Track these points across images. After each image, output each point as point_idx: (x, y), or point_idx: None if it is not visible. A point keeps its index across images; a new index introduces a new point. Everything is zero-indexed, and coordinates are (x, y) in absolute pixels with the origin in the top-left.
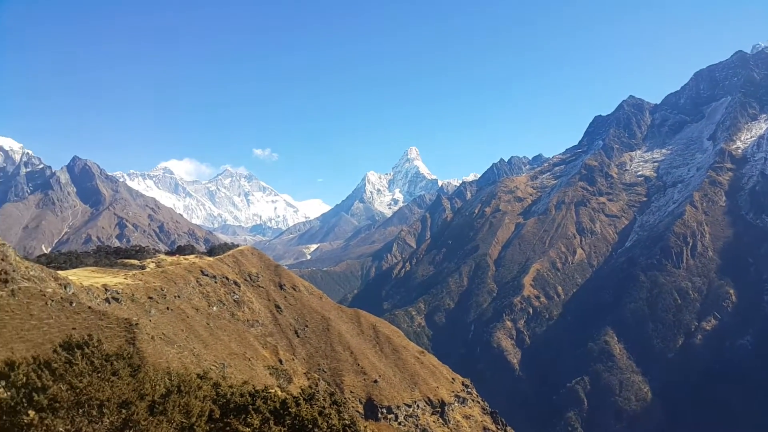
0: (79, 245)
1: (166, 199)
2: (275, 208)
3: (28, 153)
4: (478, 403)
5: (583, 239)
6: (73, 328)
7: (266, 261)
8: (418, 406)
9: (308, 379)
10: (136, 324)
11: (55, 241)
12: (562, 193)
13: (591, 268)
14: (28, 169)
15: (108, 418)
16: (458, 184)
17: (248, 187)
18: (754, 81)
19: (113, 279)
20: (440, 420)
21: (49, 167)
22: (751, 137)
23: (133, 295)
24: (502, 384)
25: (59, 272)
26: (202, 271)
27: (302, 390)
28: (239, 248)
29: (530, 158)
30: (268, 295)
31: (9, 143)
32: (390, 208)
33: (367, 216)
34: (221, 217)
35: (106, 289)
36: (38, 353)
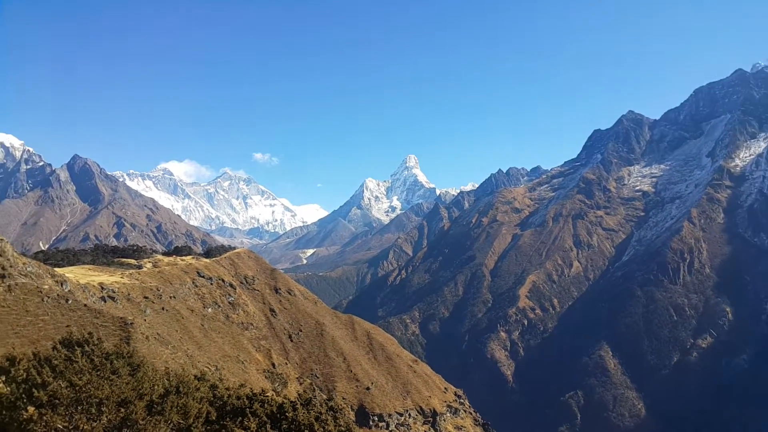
0: (76, 243)
1: (165, 199)
2: (273, 212)
3: (28, 150)
4: (471, 414)
5: (580, 252)
6: (68, 326)
7: (262, 264)
8: (409, 414)
9: (301, 384)
10: (131, 323)
11: (53, 238)
12: (560, 205)
13: (587, 281)
14: (28, 166)
15: (106, 416)
16: (456, 194)
17: (247, 191)
18: (754, 100)
19: (110, 278)
20: (432, 430)
21: (50, 165)
22: (750, 155)
23: (129, 294)
24: (494, 395)
25: (56, 269)
26: (198, 273)
27: (299, 395)
28: (236, 251)
29: (529, 170)
30: (264, 298)
31: (10, 140)
32: (387, 215)
33: (365, 222)
34: (219, 219)
35: (102, 288)
36: (33, 349)
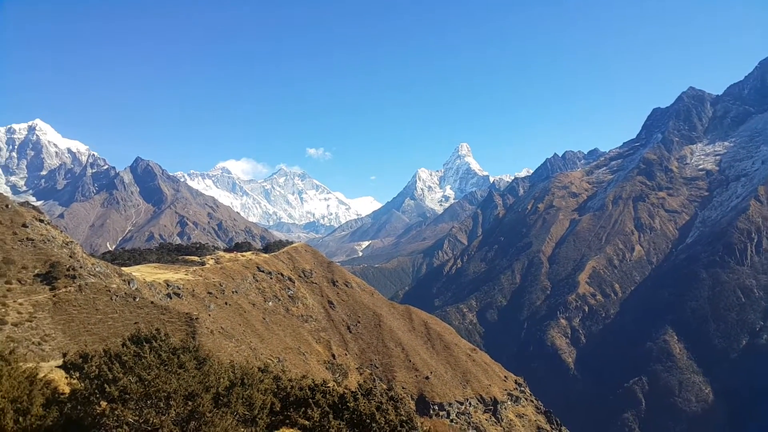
0: (142, 242)
1: (225, 197)
2: (328, 206)
3: (93, 154)
4: (532, 402)
5: (642, 235)
6: (136, 322)
7: (319, 258)
8: (470, 403)
9: (360, 374)
10: (197, 318)
11: (120, 238)
12: (620, 188)
13: (650, 265)
14: (93, 170)
15: (174, 410)
16: (510, 180)
17: (302, 186)
18: None
19: (174, 275)
20: (493, 418)
21: (114, 168)
22: None
23: (193, 290)
24: (556, 383)
25: (123, 269)
26: (258, 268)
27: (360, 385)
28: (293, 245)
29: (585, 153)
30: (321, 291)
31: (76, 145)
32: (441, 204)
33: (418, 213)
34: (276, 214)
35: (167, 285)
36: (103, 346)
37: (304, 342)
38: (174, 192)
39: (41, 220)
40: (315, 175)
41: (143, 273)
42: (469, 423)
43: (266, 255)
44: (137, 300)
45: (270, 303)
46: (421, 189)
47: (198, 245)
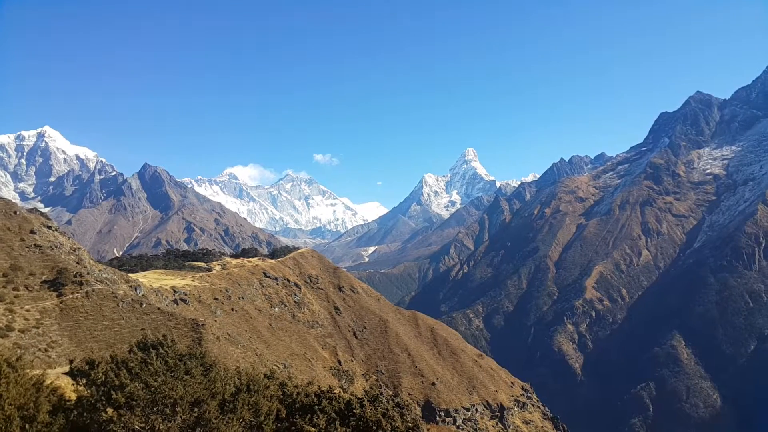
0: (149, 249)
1: (231, 203)
2: (334, 212)
3: (101, 161)
4: (539, 408)
5: (649, 240)
6: (143, 329)
7: (325, 263)
8: (476, 409)
9: (367, 380)
10: (203, 324)
11: (127, 244)
12: (627, 192)
13: (657, 270)
14: (101, 177)
15: (181, 416)
16: (517, 185)
17: (308, 191)
18: None
19: (181, 281)
20: (499, 424)
21: (121, 174)
22: None
23: (200, 296)
24: (563, 389)
25: (130, 275)
26: (264, 273)
27: (366, 391)
28: (299, 251)
29: (592, 157)
30: (328, 296)
31: (84, 152)
32: (447, 210)
33: (425, 218)
34: (282, 220)
35: (174, 291)
36: (110, 352)
37: (310, 348)
38: (181, 198)
39: (49, 227)
40: (322, 181)
41: (150, 279)
42: (475, 429)
43: (273, 261)
44: (144, 306)
45: (276, 309)
46: (428, 194)
47: (205, 251)
